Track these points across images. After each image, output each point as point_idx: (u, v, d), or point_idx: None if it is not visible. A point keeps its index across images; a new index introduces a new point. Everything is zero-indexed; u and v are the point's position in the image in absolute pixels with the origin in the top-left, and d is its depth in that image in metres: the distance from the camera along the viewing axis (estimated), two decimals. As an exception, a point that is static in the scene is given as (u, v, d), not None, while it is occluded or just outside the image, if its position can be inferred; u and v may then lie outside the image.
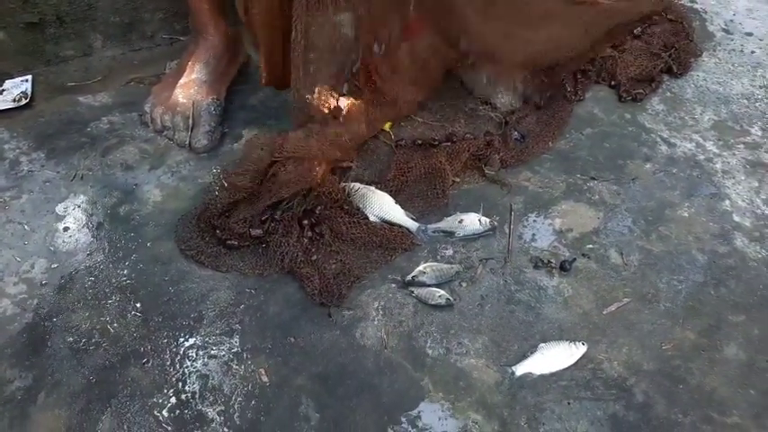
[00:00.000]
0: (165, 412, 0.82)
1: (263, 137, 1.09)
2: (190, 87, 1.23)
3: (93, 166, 1.15)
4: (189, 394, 0.84)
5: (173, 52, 1.41)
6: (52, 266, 0.98)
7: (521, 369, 0.87)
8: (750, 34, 1.59)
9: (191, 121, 1.20)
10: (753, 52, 1.53)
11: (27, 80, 1.32)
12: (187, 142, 1.19)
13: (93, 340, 0.89)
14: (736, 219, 1.10)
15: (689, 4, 1.70)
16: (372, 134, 1.20)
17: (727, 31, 1.60)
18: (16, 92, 1.29)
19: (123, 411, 0.82)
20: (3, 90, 1.29)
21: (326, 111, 1.12)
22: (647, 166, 1.20)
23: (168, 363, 0.87)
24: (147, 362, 0.87)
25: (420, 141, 1.22)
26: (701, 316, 0.95)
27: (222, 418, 0.82)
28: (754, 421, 0.84)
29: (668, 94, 1.38)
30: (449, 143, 1.20)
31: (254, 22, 1.10)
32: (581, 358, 0.88)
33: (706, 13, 1.67)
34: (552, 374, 0.87)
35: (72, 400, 0.83)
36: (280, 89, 1.23)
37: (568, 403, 0.85)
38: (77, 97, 1.30)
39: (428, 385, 0.86)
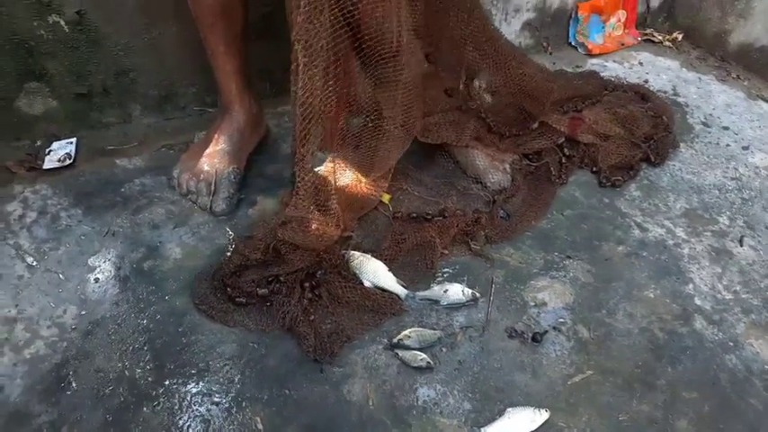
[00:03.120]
0: (170, 451, 0.93)
1: (274, 215, 1.22)
2: (214, 157, 1.38)
3: (124, 224, 1.30)
4: (192, 436, 0.95)
5: (202, 122, 1.59)
6: (82, 313, 1.12)
7: (488, 431, 0.97)
8: (727, 128, 1.73)
9: (213, 187, 1.35)
10: (728, 145, 1.66)
11: (72, 142, 1.49)
12: (208, 206, 1.34)
13: (113, 382, 1.01)
14: (698, 302, 1.21)
15: (672, 97, 1.86)
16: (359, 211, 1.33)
17: (705, 124, 1.75)
18: (61, 153, 1.46)
19: (134, 448, 0.93)
20: (50, 151, 1.46)
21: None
22: (620, 248, 1.32)
23: (177, 407, 0.98)
24: (158, 405, 0.99)
25: (415, 215, 1.35)
26: (656, 391, 1.05)
27: (220, 459, 0.93)
28: (696, 492, 0.92)
29: (645, 181, 1.52)
30: (441, 218, 1.34)
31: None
32: (543, 424, 0.98)
33: (688, 106, 1.83)
34: (516, 437, 0.97)
35: (90, 435, 0.94)
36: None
37: (529, 465, 0.94)
38: (115, 160, 1.47)
39: (405, 440, 0.97)
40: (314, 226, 1.18)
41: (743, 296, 1.23)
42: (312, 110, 1.05)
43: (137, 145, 1.52)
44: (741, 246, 1.34)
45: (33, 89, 1.43)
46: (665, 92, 1.88)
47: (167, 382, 1.01)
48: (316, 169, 1.26)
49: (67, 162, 1.44)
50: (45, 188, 1.38)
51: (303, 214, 1.17)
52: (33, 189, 1.37)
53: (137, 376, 1.02)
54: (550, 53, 2.06)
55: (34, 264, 1.20)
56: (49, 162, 1.43)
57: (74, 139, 1.50)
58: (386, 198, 1.39)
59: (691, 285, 1.24)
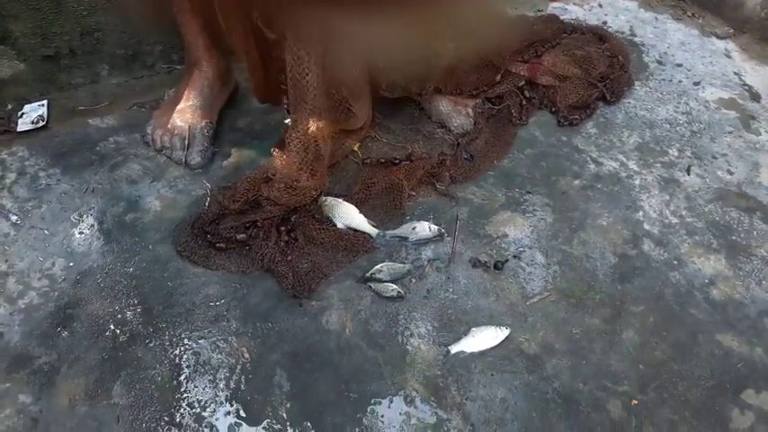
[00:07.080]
0: (163, 381, 1.01)
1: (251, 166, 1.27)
2: (186, 112, 1.42)
3: (102, 181, 1.34)
4: (183, 367, 1.03)
5: (171, 80, 1.61)
6: (70, 265, 1.17)
7: (455, 348, 1.07)
8: (680, 65, 1.81)
9: (186, 141, 1.39)
10: (680, 81, 1.74)
11: (43, 105, 1.51)
12: (183, 160, 1.38)
13: (105, 325, 1.08)
14: (646, 227, 1.31)
15: (629, 37, 1.92)
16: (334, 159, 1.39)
17: (660, 62, 1.82)
18: (34, 115, 1.48)
19: (130, 381, 1.01)
20: (22, 113, 1.48)
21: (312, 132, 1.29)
22: (576, 182, 1.41)
23: (167, 343, 1.06)
24: (150, 342, 1.06)
25: (383, 160, 1.42)
26: (606, 306, 1.16)
27: (211, 385, 1.01)
28: (639, 389, 1.04)
29: (601, 119, 1.59)
30: (408, 162, 1.41)
31: (235, 45, 1.29)
32: (504, 340, 1.08)
33: (644, 45, 1.89)
34: (480, 352, 1.07)
35: (89, 371, 1.02)
36: (270, 102, 1.42)
37: (492, 375, 1.04)
38: (87, 120, 1.50)
39: (379, 361, 1.06)
40: (301, 184, 1.23)
41: (688, 220, 1.33)
42: (306, 79, 1.10)
43: (107, 104, 1.54)
44: (688, 174, 1.44)
45: None
46: (623, 32, 1.93)
47: (157, 322, 1.09)
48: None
49: (41, 124, 1.46)
50: (22, 150, 1.40)
51: (292, 173, 1.22)
52: (10, 151, 1.40)
53: (128, 318, 1.09)
54: (512, -2, 2.09)
55: (18, 222, 1.25)
56: (23, 124, 1.46)
57: (45, 102, 1.52)
58: (355, 146, 1.45)
59: (641, 213, 1.34)
